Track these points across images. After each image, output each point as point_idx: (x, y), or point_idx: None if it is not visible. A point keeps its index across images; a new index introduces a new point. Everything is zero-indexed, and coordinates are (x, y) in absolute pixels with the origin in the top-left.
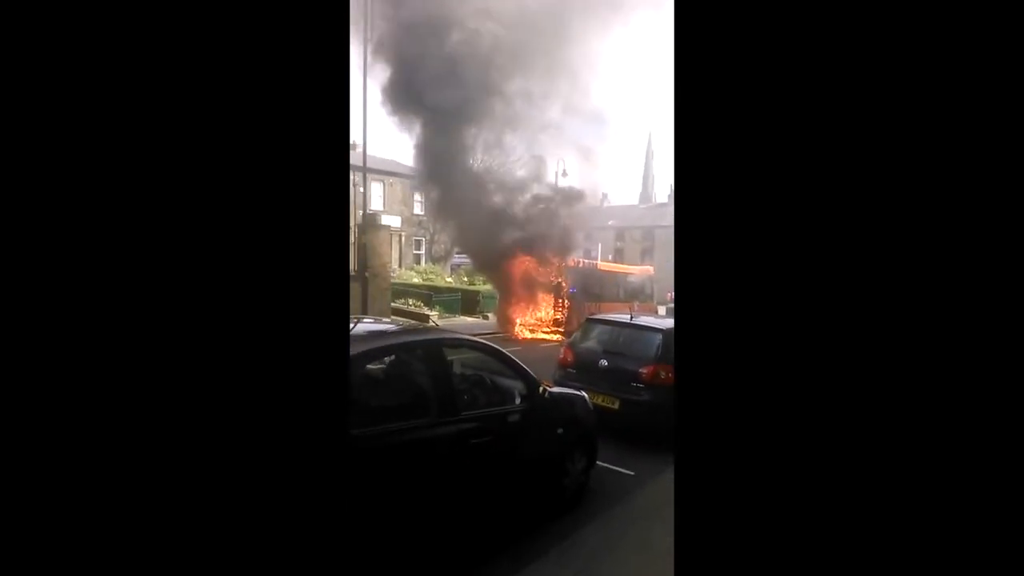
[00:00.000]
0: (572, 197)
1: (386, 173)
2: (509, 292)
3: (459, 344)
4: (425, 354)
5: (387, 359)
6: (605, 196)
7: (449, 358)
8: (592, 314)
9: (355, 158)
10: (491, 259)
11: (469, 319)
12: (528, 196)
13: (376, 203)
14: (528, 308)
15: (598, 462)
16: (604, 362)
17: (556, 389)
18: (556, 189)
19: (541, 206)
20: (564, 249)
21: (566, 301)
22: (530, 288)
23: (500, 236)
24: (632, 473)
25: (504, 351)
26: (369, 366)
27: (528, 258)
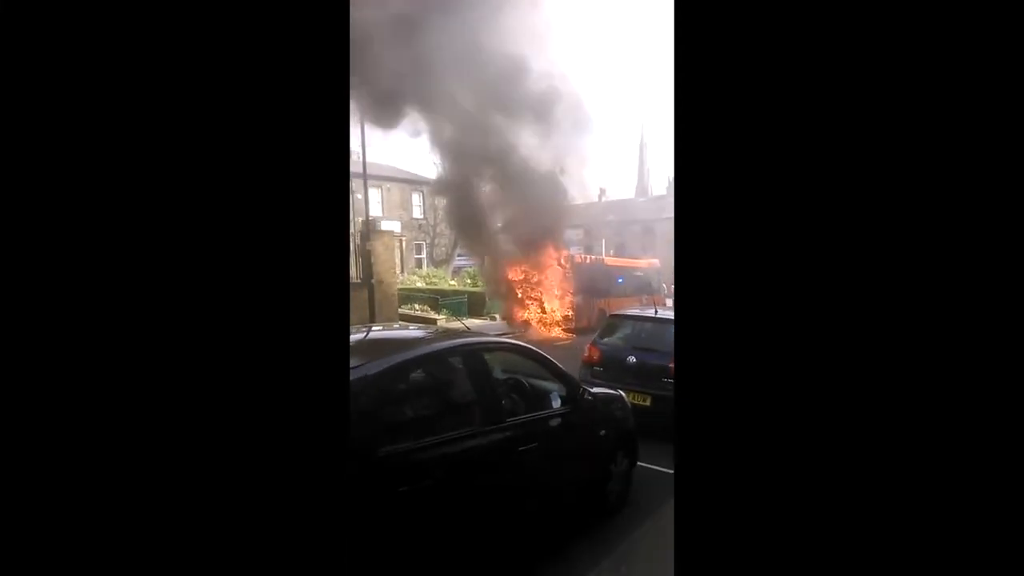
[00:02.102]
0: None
1: (383, 178)
2: (512, 292)
3: (495, 348)
4: (465, 360)
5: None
6: (603, 191)
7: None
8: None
9: (353, 165)
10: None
11: (478, 321)
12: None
13: (375, 209)
14: (528, 308)
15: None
16: (632, 358)
17: (596, 389)
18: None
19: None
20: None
21: (572, 299)
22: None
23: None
24: (671, 471)
25: (542, 352)
26: (413, 375)
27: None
